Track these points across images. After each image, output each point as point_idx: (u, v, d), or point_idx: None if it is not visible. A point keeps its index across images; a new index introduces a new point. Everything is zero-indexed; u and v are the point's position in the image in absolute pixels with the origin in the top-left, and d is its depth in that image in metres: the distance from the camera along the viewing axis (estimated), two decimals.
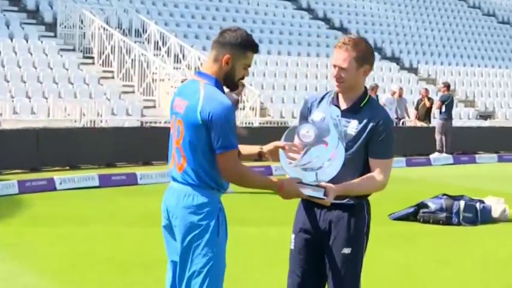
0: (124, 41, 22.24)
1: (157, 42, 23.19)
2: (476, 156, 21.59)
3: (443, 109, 21.68)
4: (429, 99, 22.91)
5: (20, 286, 6.88)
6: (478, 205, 10.78)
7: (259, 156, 4.34)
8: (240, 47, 4.09)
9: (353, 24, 33.63)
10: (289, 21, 31.55)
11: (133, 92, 21.85)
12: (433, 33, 35.67)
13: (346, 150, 4.13)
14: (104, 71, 22.34)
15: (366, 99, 4.27)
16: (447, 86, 22.24)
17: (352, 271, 4.26)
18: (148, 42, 23.36)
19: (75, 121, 18.39)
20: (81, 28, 23.44)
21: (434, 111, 22.87)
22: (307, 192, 4.11)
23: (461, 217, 10.58)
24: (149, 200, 11.63)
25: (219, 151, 3.99)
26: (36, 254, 8.11)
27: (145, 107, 20.73)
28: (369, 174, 4.22)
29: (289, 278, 4.41)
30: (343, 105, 4.27)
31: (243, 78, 4.21)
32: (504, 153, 22.61)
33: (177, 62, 22.73)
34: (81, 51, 23.17)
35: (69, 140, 15.89)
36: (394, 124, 22.43)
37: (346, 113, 4.23)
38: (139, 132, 17.50)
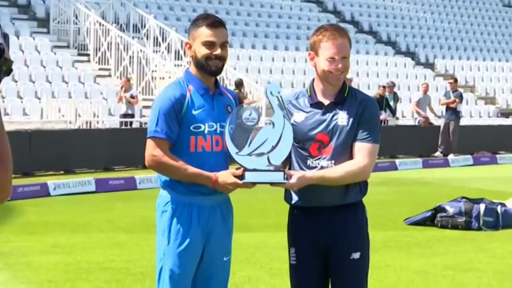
0: (121, 37, 22.27)
1: (157, 37, 23.22)
2: (498, 156, 21.55)
3: (459, 107, 21.76)
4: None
5: None
6: (499, 208, 10.73)
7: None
8: (193, 28, 4.28)
9: (365, 17, 33.61)
10: (297, 15, 31.56)
11: None
12: (450, 26, 35.62)
13: (340, 141, 4.14)
14: (100, 69, 22.39)
15: (347, 88, 4.28)
16: (456, 80, 22.59)
17: (361, 276, 4.25)
18: (147, 38, 23.40)
19: (70, 122, 18.42)
20: (76, 23, 23.49)
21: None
22: (262, 179, 4.02)
23: (481, 221, 10.54)
24: (149, 206, 11.57)
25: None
26: (29, 263, 8.11)
27: (144, 107, 20.74)
28: (350, 161, 4.16)
29: None
30: (327, 100, 4.25)
31: (214, 57, 4.20)
32: None
33: (178, 59, 22.75)
34: (75, 48, 23.22)
35: (63, 143, 15.91)
36: (417, 123, 22.49)
37: (333, 106, 4.22)
38: (138, 134, 17.45)
